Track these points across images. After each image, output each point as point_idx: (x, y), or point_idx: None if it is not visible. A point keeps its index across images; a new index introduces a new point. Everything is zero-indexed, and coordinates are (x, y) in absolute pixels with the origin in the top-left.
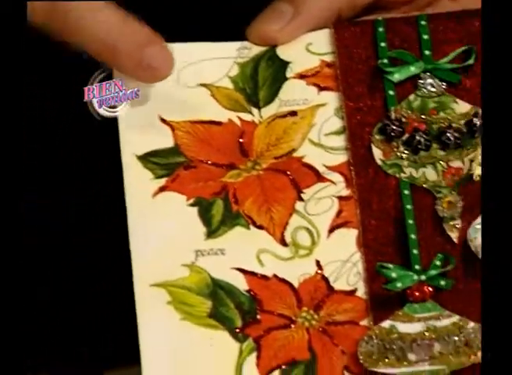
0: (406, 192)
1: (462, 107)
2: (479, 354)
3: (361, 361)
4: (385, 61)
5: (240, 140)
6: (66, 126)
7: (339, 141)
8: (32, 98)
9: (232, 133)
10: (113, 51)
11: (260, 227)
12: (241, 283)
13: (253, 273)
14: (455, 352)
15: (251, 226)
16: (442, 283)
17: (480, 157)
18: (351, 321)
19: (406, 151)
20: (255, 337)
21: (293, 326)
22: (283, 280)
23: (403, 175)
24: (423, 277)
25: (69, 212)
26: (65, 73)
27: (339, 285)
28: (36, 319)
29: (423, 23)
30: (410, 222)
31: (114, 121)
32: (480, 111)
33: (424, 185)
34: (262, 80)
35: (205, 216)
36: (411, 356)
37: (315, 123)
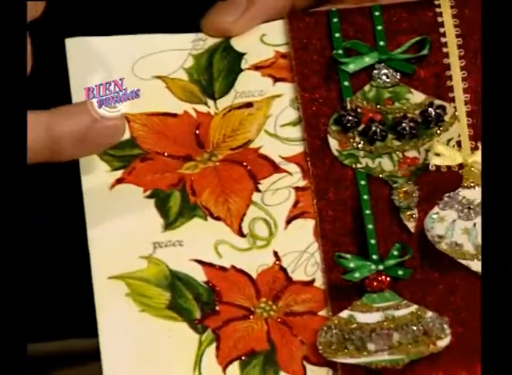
0: (362, 182)
1: (417, 97)
2: (438, 343)
3: (321, 351)
4: (340, 52)
5: (196, 131)
6: None
7: (295, 131)
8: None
9: (188, 124)
10: None
11: (217, 219)
12: (199, 275)
13: (211, 265)
14: (414, 342)
15: (209, 218)
16: (400, 272)
17: (436, 147)
18: (310, 311)
19: (362, 142)
20: (214, 328)
21: (251, 317)
22: (241, 271)
23: (359, 165)
24: (381, 267)
25: (27, 205)
26: None
27: (297, 276)
28: None
29: (377, 13)
30: (368, 212)
31: None
32: (435, 101)
33: (380, 175)
34: (217, 71)
35: (162, 207)
36: (370, 346)
37: (271, 114)
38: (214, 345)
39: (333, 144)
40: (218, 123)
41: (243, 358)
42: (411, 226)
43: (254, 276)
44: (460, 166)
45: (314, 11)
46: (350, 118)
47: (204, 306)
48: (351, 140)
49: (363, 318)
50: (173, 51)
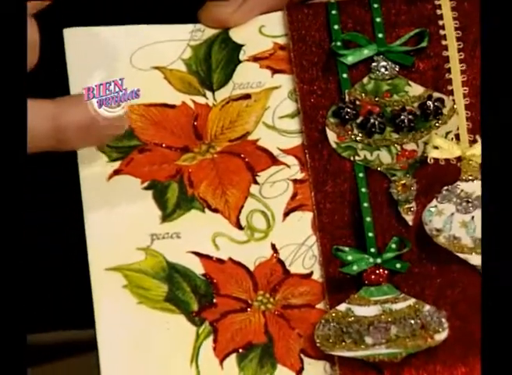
0: (360, 175)
1: (415, 89)
2: (436, 336)
3: (318, 344)
4: (339, 44)
5: (195, 123)
6: None
7: (294, 124)
8: None
9: (186, 116)
10: None
11: (215, 211)
12: (197, 267)
13: (208, 257)
14: (411, 335)
15: (206, 210)
16: (398, 266)
17: (434, 140)
18: (307, 304)
19: (360, 134)
20: (212, 320)
21: (249, 309)
22: (239, 264)
23: (357, 158)
24: (379, 260)
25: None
26: None
27: (294, 268)
28: None
29: (376, 5)
30: (366, 205)
31: None
32: (434, 94)
33: (378, 168)
34: (216, 62)
35: (160, 199)
36: (368, 339)
37: (269, 106)
38: (211, 338)
39: (331, 136)
40: (217, 114)
41: (240, 350)
42: (409, 219)
43: (252, 268)
44: (459, 159)
45: (312, 3)
46: (349, 110)
47: (201, 299)
48: (349, 132)
49: (360, 311)
50: (172, 42)
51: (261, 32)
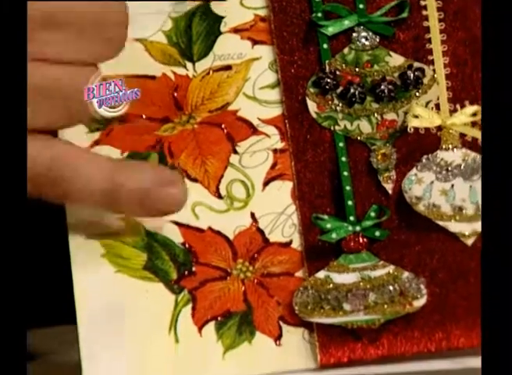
0: (341, 144)
1: (396, 60)
2: (414, 303)
3: (297, 311)
4: (320, 15)
5: (175, 94)
6: None
7: (274, 94)
8: None
9: (166, 87)
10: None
11: (194, 180)
12: (176, 236)
13: (188, 226)
14: (390, 302)
15: (186, 180)
16: (377, 233)
17: (414, 109)
18: (286, 272)
19: (340, 104)
20: (190, 288)
21: (228, 278)
22: (218, 233)
23: (337, 127)
24: (358, 228)
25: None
26: None
27: (274, 237)
28: None
29: None
30: (345, 174)
31: None
32: (414, 64)
33: (358, 138)
34: (196, 34)
35: None
36: (346, 306)
37: (250, 77)
38: (190, 306)
39: (312, 106)
40: (197, 85)
41: (218, 318)
42: (389, 187)
43: (231, 237)
44: (439, 128)
45: None
46: (329, 80)
47: (180, 267)
48: (330, 102)
49: (339, 278)
50: (152, 15)
51: (242, 4)
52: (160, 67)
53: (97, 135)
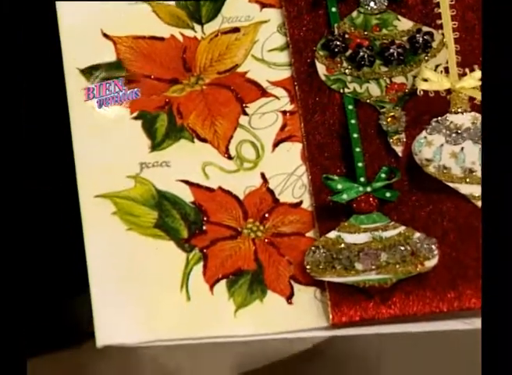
0: (350, 107)
1: (404, 24)
2: (426, 263)
3: (308, 270)
4: None
5: (183, 55)
6: None
7: (283, 57)
8: None
9: (174, 48)
10: None
11: (204, 140)
12: (187, 195)
13: (198, 185)
14: (401, 261)
15: (196, 140)
16: (388, 194)
17: (424, 73)
18: (297, 232)
19: (349, 67)
20: (201, 247)
21: (239, 237)
22: (229, 193)
23: (346, 90)
24: (368, 189)
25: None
26: None
27: (284, 197)
28: None
29: None
30: (355, 136)
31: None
32: (423, 28)
33: (367, 100)
34: None
35: (149, 129)
36: (358, 265)
37: (258, 40)
38: (201, 264)
39: (321, 68)
40: (205, 47)
41: (230, 277)
42: (399, 150)
43: (242, 197)
44: (448, 91)
45: None
46: (338, 43)
47: (191, 226)
48: (339, 65)
49: (350, 238)
50: None
51: None
52: (168, 29)
53: None
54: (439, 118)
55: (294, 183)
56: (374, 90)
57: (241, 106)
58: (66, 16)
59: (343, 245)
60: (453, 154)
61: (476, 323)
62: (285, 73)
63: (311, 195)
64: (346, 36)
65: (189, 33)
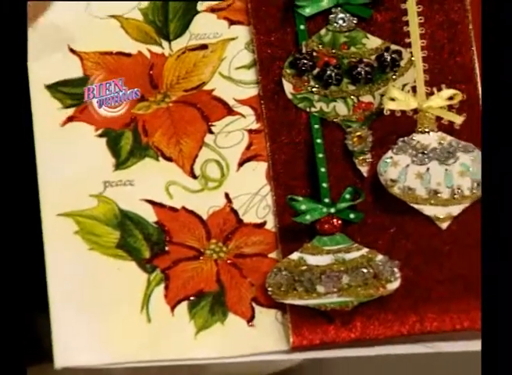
0: (316, 126)
1: (373, 42)
2: (388, 286)
3: (270, 292)
4: None
5: (150, 72)
6: None
7: (250, 74)
8: None
9: (142, 65)
10: None
11: (169, 159)
12: (150, 215)
13: (161, 205)
14: (363, 284)
15: (160, 158)
16: (352, 216)
17: (391, 92)
18: (260, 253)
19: (316, 86)
20: (163, 268)
21: (201, 257)
22: (192, 212)
23: (313, 109)
24: (332, 210)
25: None
26: None
27: (248, 218)
28: None
29: None
30: (320, 156)
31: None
32: (391, 46)
33: (334, 120)
34: (173, 12)
35: (114, 147)
36: (320, 288)
37: (226, 57)
38: (162, 285)
39: (288, 87)
40: (173, 64)
41: (191, 298)
42: (364, 170)
43: (205, 217)
44: (415, 111)
45: None
46: (305, 61)
47: (153, 246)
48: (306, 83)
49: (313, 260)
50: None
51: None
52: (136, 45)
53: (70, 111)
54: (406, 138)
55: (258, 204)
56: (341, 109)
57: (207, 125)
58: (33, 30)
59: (305, 267)
60: (418, 175)
61: (438, 347)
62: (252, 91)
63: (274, 216)
64: (314, 54)
65: (156, 49)
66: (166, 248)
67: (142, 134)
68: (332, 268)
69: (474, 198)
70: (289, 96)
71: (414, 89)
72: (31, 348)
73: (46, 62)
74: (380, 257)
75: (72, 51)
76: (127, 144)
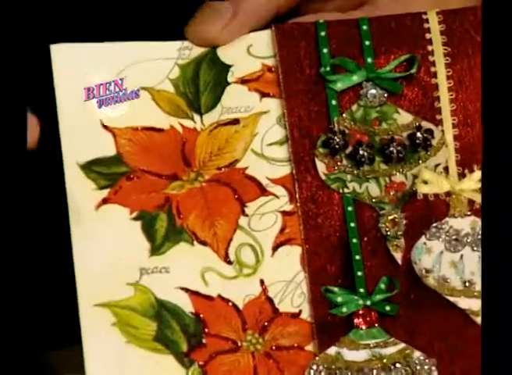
0: (349, 209)
1: (404, 118)
2: None
3: None
4: (328, 69)
5: (183, 149)
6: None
7: (282, 151)
8: None
9: (174, 140)
10: None
11: (203, 243)
12: (186, 304)
13: (197, 293)
14: None
15: (195, 242)
16: (387, 308)
17: (423, 174)
18: (297, 346)
19: (349, 165)
20: (201, 362)
21: (238, 350)
22: (228, 301)
23: (346, 190)
24: (368, 302)
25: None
26: None
27: (283, 307)
28: None
29: (365, 27)
30: (354, 241)
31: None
32: (422, 123)
33: (367, 201)
34: (204, 84)
35: (149, 230)
36: None
37: (258, 132)
38: None
39: (321, 167)
40: (205, 139)
41: None
42: (398, 257)
43: (241, 306)
44: (448, 193)
45: (301, 22)
46: (338, 140)
47: (191, 338)
48: (338, 163)
49: (350, 355)
50: (159, 60)
51: (249, 52)
52: (167, 119)
53: (105, 193)
54: (438, 223)
55: (293, 291)
56: (373, 189)
57: (241, 206)
58: (64, 101)
59: (342, 363)
60: (452, 263)
61: None
62: (284, 170)
63: (310, 305)
64: (347, 132)
65: (188, 123)
66: (203, 341)
67: (176, 216)
68: (370, 364)
69: None
70: (323, 177)
71: (446, 169)
72: None
73: (79, 139)
74: (417, 354)
75: (104, 127)
76: (162, 227)
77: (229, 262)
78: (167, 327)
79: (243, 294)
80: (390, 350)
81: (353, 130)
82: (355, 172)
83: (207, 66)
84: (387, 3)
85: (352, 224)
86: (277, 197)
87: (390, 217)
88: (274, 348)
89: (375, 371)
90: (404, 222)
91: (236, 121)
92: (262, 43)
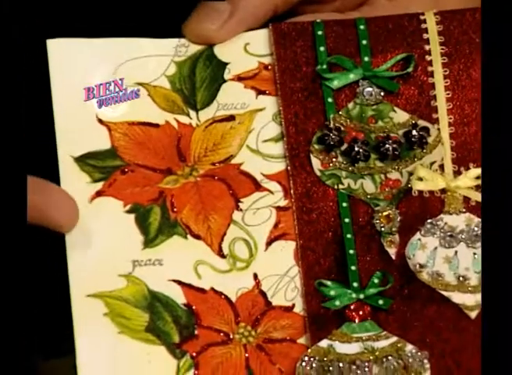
0: (344, 204)
1: (400, 116)
2: None
3: None
4: (325, 67)
5: (178, 144)
6: None
7: (278, 148)
8: None
9: (169, 136)
10: None
11: (197, 237)
12: (179, 296)
13: (190, 286)
14: None
15: (189, 236)
16: (380, 302)
17: (419, 171)
18: (289, 339)
19: (344, 162)
20: (193, 353)
21: (230, 342)
22: (221, 294)
23: (341, 186)
24: (361, 296)
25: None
26: None
27: (276, 300)
28: None
29: (362, 27)
30: (349, 236)
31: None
32: (418, 121)
33: (362, 197)
34: (200, 81)
35: (143, 223)
36: None
37: (253, 129)
38: (192, 371)
39: (316, 163)
40: (200, 135)
41: None
42: (392, 252)
43: (234, 299)
44: (443, 190)
45: (298, 21)
46: (333, 137)
47: (183, 330)
48: (334, 159)
49: (342, 348)
50: (156, 57)
51: (246, 50)
52: (163, 114)
53: (99, 185)
54: (433, 219)
55: (287, 285)
56: (368, 186)
57: (235, 201)
58: (59, 96)
59: (334, 356)
60: (446, 259)
61: None
62: (279, 166)
63: (303, 299)
64: (342, 128)
65: (184, 119)
66: (195, 332)
67: (170, 210)
68: (362, 357)
69: None
70: (318, 173)
71: (441, 167)
72: None
73: (74, 132)
74: (409, 347)
75: (100, 121)
76: (156, 220)
77: (223, 256)
78: (159, 318)
79: (236, 287)
80: (382, 343)
81: (348, 127)
82: (350, 168)
83: (203, 63)
84: (385, 4)
85: (346, 220)
86: (272, 192)
87: (385, 213)
88: (266, 340)
89: (366, 364)
90: (399, 218)
91: (231, 117)
92: (259, 41)
